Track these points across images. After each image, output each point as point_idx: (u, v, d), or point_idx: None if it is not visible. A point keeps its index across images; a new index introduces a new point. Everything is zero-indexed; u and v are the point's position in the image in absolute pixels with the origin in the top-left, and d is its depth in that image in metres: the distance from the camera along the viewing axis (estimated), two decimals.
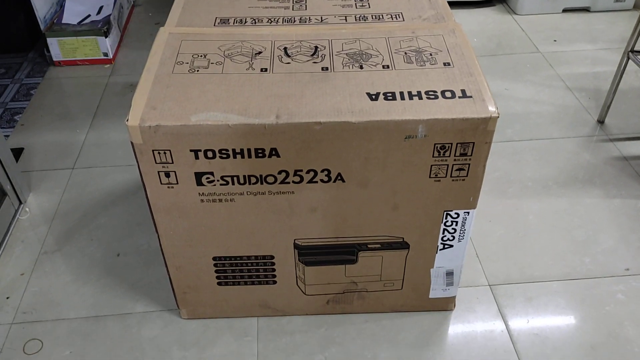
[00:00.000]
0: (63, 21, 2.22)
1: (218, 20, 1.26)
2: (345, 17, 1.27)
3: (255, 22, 1.25)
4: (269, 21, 1.26)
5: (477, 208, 1.12)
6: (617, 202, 1.58)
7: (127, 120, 0.96)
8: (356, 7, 1.31)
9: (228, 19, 1.26)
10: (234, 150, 1.00)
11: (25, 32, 2.29)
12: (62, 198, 1.63)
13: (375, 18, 1.26)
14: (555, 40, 2.36)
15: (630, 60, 1.75)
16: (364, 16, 1.27)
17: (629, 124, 1.88)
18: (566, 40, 2.37)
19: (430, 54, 1.12)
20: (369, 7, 1.31)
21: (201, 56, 1.12)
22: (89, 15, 2.28)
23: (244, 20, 1.26)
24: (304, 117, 0.98)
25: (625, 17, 2.52)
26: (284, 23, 1.25)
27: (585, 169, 1.70)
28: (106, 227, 1.53)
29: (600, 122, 1.89)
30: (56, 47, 2.18)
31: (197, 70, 1.08)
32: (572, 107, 1.97)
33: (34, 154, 1.80)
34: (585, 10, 2.57)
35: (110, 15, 2.26)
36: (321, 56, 1.12)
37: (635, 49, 1.74)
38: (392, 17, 1.27)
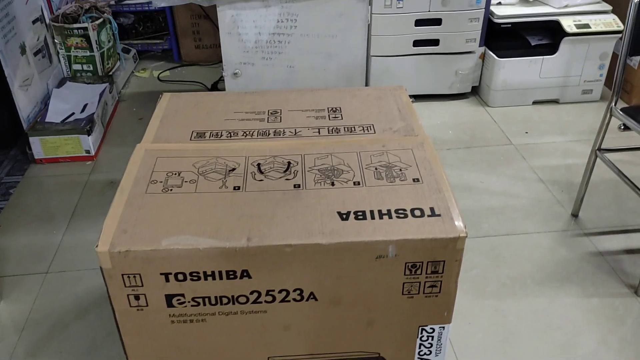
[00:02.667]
0: (46, 120, 2.27)
1: (194, 134, 1.29)
2: (319, 129, 1.31)
3: (230, 136, 1.28)
4: (245, 134, 1.29)
5: (456, 308, 1.11)
6: (595, 301, 1.58)
7: (97, 246, 0.96)
8: (329, 119, 1.36)
9: (204, 133, 1.29)
10: (205, 272, 0.99)
11: (8, 130, 2.32)
12: (34, 306, 1.59)
13: (348, 130, 1.31)
14: (527, 133, 2.45)
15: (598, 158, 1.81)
16: (337, 129, 1.31)
17: (602, 217, 1.91)
18: (537, 132, 2.45)
19: (400, 170, 1.15)
20: (342, 118, 1.36)
21: (175, 174, 1.14)
22: (73, 114, 2.33)
23: (219, 133, 1.29)
24: (274, 240, 0.98)
25: (592, 109, 2.63)
26: (259, 136, 1.28)
27: (562, 266, 1.71)
28: (76, 337, 1.49)
29: (574, 215, 1.92)
30: (38, 145, 2.21)
31: (171, 190, 1.09)
32: (546, 200, 2.01)
33: (8, 257, 1.78)
34: (555, 102, 2.68)
35: (94, 113, 2.31)
36: (294, 172, 1.15)
37: (603, 146, 1.81)
38: (363, 129, 1.31)
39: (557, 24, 2.51)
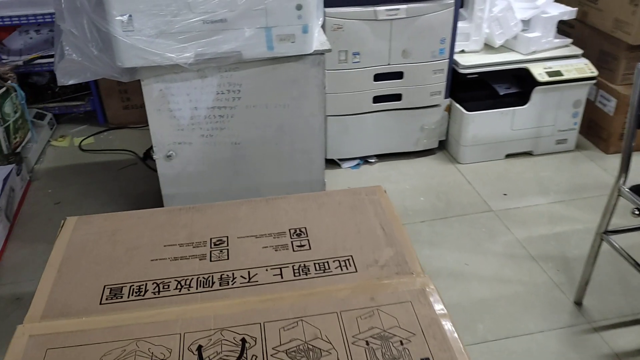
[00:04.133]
0: None
1: (107, 293, 0.92)
2: (281, 270, 0.97)
3: (158, 291, 0.92)
4: (179, 287, 0.93)
5: None
6: None
7: None
8: (293, 249, 1.02)
9: (121, 289, 0.93)
10: None
11: None
12: None
13: (320, 269, 0.97)
14: (505, 195, 2.19)
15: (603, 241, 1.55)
16: (305, 266, 0.98)
17: (609, 304, 1.66)
18: (516, 193, 2.20)
19: (401, 342, 0.82)
20: (309, 247, 1.02)
21: None
22: None
23: (142, 288, 0.93)
24: None
25: (568, 160, 2.41)
26: (200, 289, 0.93)
27: None
28: None
29: (578, 304, 1.66)
30: None
31: None
32: (542, 284, 1.74)
33: None
34: (528, 154, 2.45)
35: None
36: (251, 359, 0.80)
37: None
38: (340, 265, 0.98)
39: (527, 71, 2.29)
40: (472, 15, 2.27)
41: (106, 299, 0.91)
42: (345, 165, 2.38)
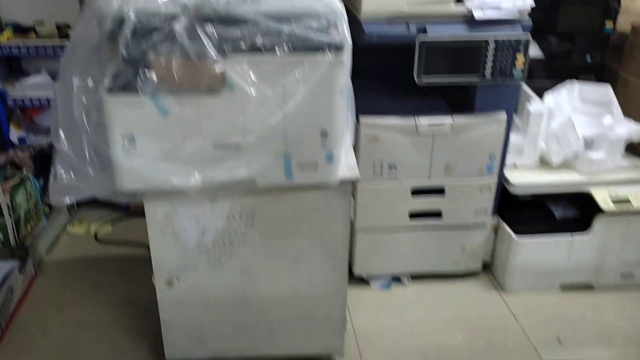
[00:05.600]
0: None
1: None
2: None
3: None
4: None
5: None
6: None
7: None
8: None
9: None
10: None
11: None
12: None
13: None
14: (559, 341, 1.87)
15: None
16: None
17: None
18: (573, 339, 1.87)
19: None
20: None
21: None
22: None
23: None
24: None
25: (636, 299, 2.07)
26: None
27: None
28: None
29: None
30: None
31: None
32: None
33: None
34: (588, 287, 2.13)
35: None
36: None
37: None
38: None
39: (589, 196, 2.00)
40: (527, 130, 2.03)
41: None
42: (375, 283, 2.12)
